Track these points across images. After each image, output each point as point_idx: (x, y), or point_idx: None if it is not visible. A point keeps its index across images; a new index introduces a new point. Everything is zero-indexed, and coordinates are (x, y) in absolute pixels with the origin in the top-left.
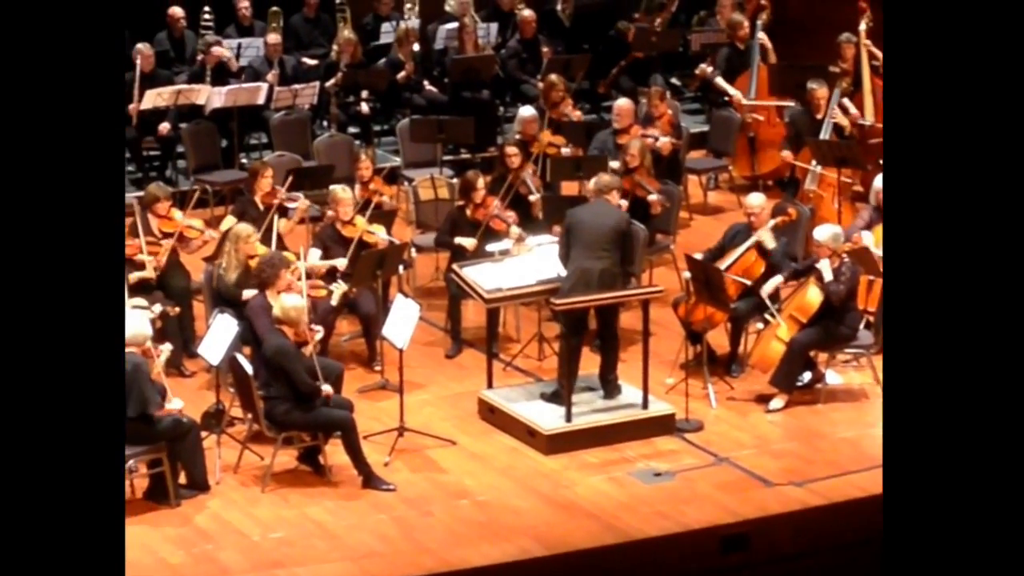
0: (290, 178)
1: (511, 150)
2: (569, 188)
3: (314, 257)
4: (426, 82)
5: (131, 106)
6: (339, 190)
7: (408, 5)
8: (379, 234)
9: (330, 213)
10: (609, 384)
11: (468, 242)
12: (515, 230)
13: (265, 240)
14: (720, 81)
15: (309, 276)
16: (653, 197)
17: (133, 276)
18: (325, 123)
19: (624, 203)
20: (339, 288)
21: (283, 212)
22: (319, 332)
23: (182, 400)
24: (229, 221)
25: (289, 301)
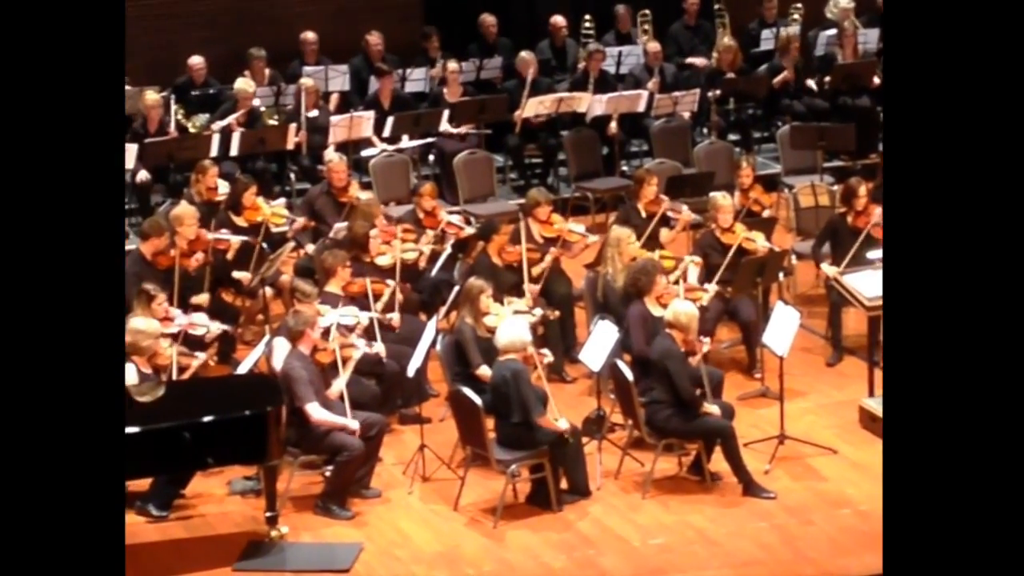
0: (673, 187)
1: None
2: None
3: (694, 269)
4: (811, 83)
5: (516, 113)
6: (719, 197)
7: (793, 11)
8: (758, 241)
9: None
10: None
11: (831, 270)
12: None
13: (649, 247)
14: None
15: (686, 281)
16: None
17: (532, 288)
18: (705, 130)
19: None
20: (712, 289)
21: (665, 221)
22: (706, 344)
23: (565, 420)
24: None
25: (682, 307)
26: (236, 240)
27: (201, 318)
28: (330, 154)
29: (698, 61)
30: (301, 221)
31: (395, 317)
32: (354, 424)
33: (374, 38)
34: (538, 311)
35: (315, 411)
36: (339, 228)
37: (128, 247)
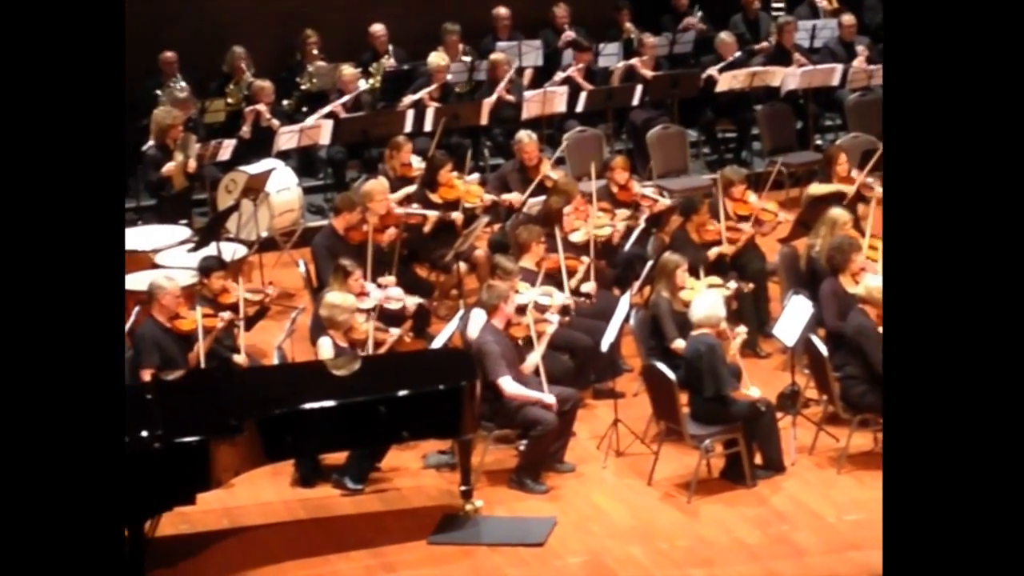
0: (869, 162)
1: None
2: None
3: None
4: None
5: (712, 71)
6: None
7: None
8: None
9: None
10: None
11: None
12: None
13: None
14: None
15: None
16: None
17: (712, 252)
18: None
19: None
20: None
21: (861, 197)
22: None
23: (759, 388)
24: (817, 188)
25: (875, 282)
26: (431, 215)
27: (397, 292)
28: (521, 132)
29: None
30: (493, 197)
31: (591, 286)
32: (550, 399)
33: (560, 10)
34: (732, 284)
35: (508, 385)
36: (532, 203)
37: (322, 222)
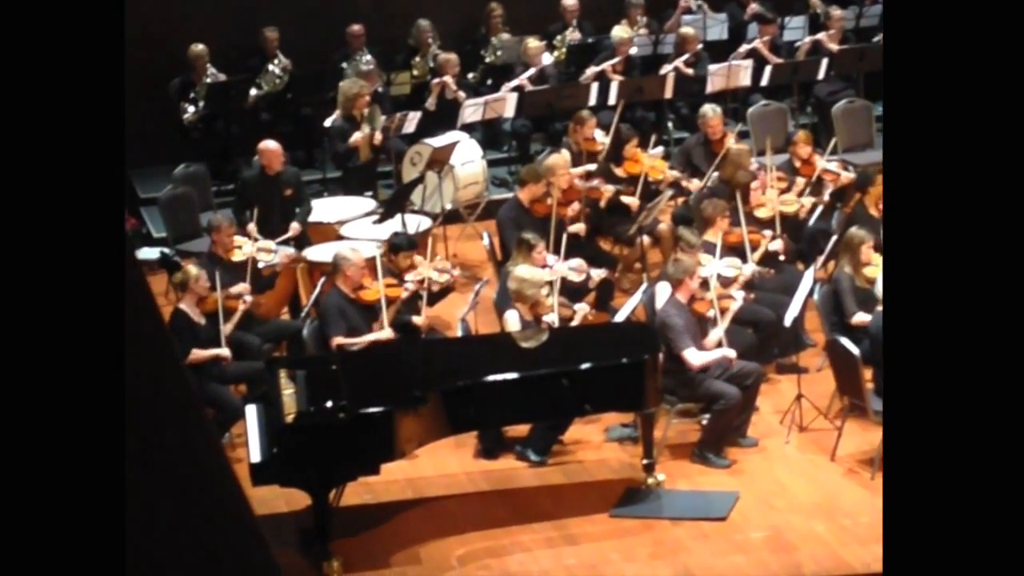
0: None
1: None
2: None
3: None
4: None
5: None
6: None
7: None
8: None
9: None
10: None
11: None
12: None
13: None
14: None
15: None
16: None
17: None
18: None
19: None
20: None
21: None
22: None
23: None
24: None
25: None
26: (609, 189)
27: (580, 264)
28: (706, 106)
29: None
30: (676, 173)
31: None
32: (732, 353)
33: None
34: None
35: (693, 356)
36: (715, 177)
37: (505, 195)
